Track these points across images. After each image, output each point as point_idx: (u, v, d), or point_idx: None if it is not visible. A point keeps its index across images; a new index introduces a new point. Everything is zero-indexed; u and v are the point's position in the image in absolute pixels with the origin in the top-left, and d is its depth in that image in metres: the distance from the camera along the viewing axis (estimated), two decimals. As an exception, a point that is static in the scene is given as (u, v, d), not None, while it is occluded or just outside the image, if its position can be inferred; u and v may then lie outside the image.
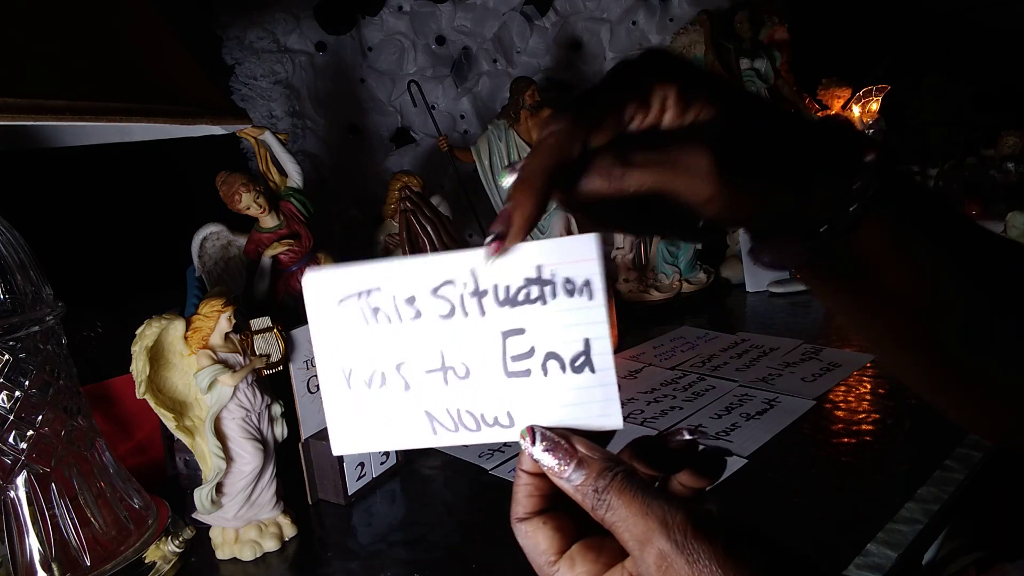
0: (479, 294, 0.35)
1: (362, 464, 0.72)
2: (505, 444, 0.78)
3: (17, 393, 0.55)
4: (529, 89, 1.15)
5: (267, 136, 0.80)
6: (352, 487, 0.71)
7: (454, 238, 0.89)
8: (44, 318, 0.57)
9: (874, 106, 1.61)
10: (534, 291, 0.34)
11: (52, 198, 0.97)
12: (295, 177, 0.82)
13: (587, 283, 0.33)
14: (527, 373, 0.35)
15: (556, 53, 1.44)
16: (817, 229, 0.31)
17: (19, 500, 0.56)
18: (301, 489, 0.71)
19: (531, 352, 0.35)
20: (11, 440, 0.55)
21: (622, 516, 0.30)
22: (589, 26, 1.46)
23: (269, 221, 0.79)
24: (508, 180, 0.32)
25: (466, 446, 0.79)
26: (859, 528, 0.56)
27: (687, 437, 0.35)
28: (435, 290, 0.36)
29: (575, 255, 0.33)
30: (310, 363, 0.70)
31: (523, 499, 0.34)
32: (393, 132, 1.36)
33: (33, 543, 0.56)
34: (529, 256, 0.34)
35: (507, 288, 0.34)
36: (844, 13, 1.92)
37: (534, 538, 0.34)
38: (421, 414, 0.37)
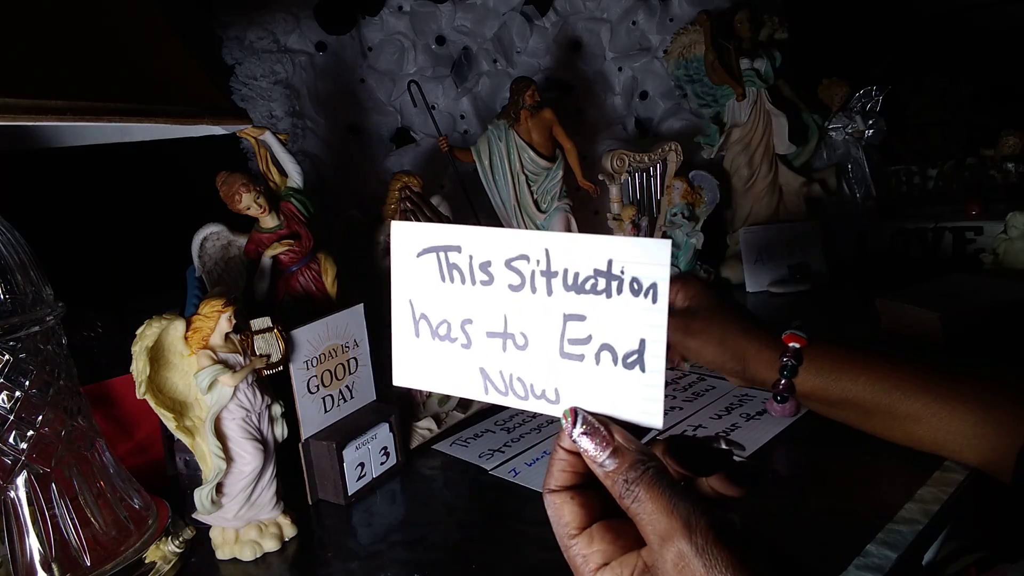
0: (549, 274, 0.36)
1: (362, 464, 0.72)
2: (506, 444, 0.78)
3: (17, 393, 0.55)
4: (529, 89, 1.15)
5: (267, 136, 0.80)
6: (352, 487, 0.71)
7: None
8: (44, 318, 0.57)
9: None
10: (601, 283, 0.35)
11: (52, 198, 0.97)
12: (295, 177, 0.82)
13: (653, 286, 0.34)
14: (580, 358, 0.36)
15: (556, 53, 1.43)
16: (777, 387, 0.69)
17: (19, 500, 0.56)
18: (301, 489, 0.71)
19: (588, 339, 0.36)
20: (11, 440, 0.55)
21: (648, 510, 0.31)
22: (589, 26, 1.46)
23: (269, 221, 0.79)
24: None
25: (467, 446, 0.79)
26: (859, 528, 0.56)
27: (723, 446, 0.37)
28: (509, 261, 0.37)
29: (646, 257, 0.34)
30: (310, 363, 0.70)
31: (556, 473, 0.36)
32: (393, 132, 1.36)
33: (33, 543, 0.56)
34: (602, 249, 0.35)
35: (576, 275, 0.36)
36: (844, 13, 1.92)
37: (560, 510, 0.36)
38: (477, 370, 0.39)
